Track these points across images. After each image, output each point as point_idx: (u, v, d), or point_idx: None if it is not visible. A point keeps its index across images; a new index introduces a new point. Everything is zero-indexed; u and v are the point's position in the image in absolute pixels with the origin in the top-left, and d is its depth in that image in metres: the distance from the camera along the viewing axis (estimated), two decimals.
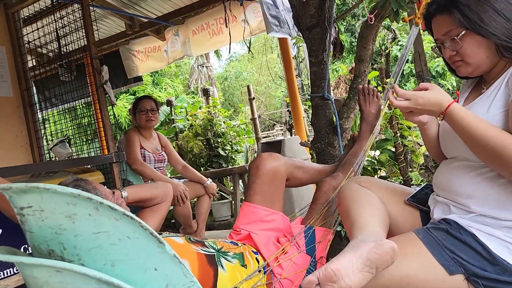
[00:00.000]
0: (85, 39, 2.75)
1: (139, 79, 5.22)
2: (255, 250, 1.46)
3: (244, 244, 1.48)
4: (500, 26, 1.09)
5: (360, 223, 1.17)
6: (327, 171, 1.85)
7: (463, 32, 1.13)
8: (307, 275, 1.40)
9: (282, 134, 10.50)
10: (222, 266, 1.25)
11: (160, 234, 1.32)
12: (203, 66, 16.80)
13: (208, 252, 1.28)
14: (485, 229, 1.08)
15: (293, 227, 1.55)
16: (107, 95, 2.78)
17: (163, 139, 3.23)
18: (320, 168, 1.89)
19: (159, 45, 4.80)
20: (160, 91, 14.59)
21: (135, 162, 2.84)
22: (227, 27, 3.82)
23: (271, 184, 1.59)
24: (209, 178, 3.13)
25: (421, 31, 2.91)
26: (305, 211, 1.71)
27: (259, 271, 1.34)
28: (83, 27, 2.77)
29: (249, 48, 3.90)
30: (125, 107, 12.65)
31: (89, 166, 2.80)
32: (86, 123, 3.68)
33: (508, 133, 1.02)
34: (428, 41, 8.46)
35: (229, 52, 4.09)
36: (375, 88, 1.91)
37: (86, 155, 3.52)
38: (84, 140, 3.68)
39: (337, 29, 2.57)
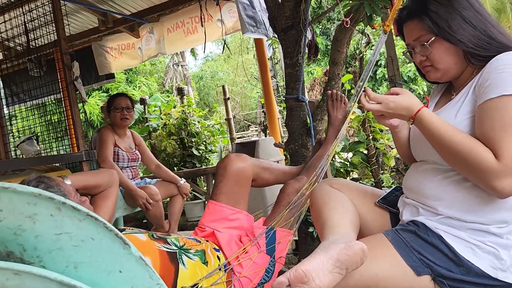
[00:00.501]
0: (55, 33, 2.68)
1: (111, 76, 5.10)
2: (217, 248, 1.49)
3: (207, 241, 1.50)
4: (468, 33, 1.12)
5: (331, 224, 1.18)
6: (292, 173, 1.90)
7: (432, 38, 1.16)
8: (265, 274, 1.43)
9: (257, 135, 10.52)
10: (183, 263, 1.27)
11: (123, 229, 1.30)
12: (178, 65, 16.61)
13: (170, 249, 1.29)
14: (451, 231, 1.11)
15: (255, 227, 1.59)
16: (77, 92, 2.71)
17: (137, 137, 3.17)
18: (286, 170, 1.94)
19: (133, 42, 4.71)
20: (134, 89, 14.31)
21: (104, 162, 2.76)
22: (202, 26, 3.80)
23: (237, 184, 1.64)
24: (182, 178, 3.10)
25: (394, 36, 2.97)
26: (269, 211, 1.74)
27: (220, 269, 1.36)
28: (53, 21, 2.70)
29: (224, 48, 3.89)
30: (98, 105, 12.35)
31: (58, 164, 2.72)
32: (56, 120, 3.57)
33: (474, 138, 1.05)
34: (400, 47, 8.66)
35: (204, 52, 4.09)
36: (343, 95, 1.95)
37: (56, 153, 3.42)
38: (54, 137, 3.57)
39: (312, 31, 2.59)
